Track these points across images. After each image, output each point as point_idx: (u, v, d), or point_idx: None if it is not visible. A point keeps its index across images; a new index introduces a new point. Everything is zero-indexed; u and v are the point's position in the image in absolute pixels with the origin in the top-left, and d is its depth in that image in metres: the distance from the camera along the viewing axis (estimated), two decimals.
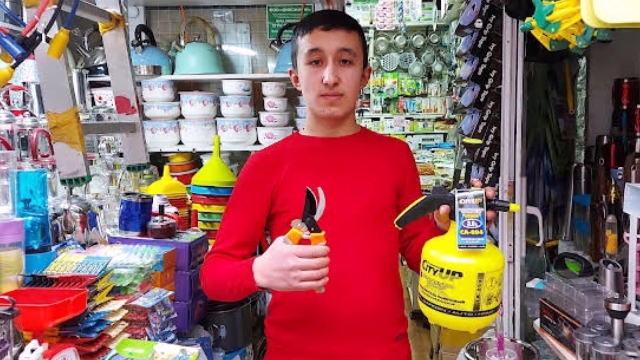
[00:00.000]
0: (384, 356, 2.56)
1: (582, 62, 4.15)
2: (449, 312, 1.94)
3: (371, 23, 12.07)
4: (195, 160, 5.25)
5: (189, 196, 3.75)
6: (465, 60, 4.04)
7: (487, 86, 3.57)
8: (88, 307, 1.89)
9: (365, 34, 3.01)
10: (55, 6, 2.26)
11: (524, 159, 3.34)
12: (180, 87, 5.30)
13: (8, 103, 3.31)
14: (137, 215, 2.82)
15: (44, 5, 2.15)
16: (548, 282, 2.85)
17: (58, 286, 1.96)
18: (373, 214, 2.53)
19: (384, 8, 11.93)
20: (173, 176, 4.00)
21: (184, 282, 2.76)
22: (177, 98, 5.15)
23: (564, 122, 3.95)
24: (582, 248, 3.58)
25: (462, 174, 5.09)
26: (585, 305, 2.54)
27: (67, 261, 2.11)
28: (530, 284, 3.28)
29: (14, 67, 2.08)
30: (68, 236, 2.65)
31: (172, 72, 5.27)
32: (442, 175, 8.45)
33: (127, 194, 2.92)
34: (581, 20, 1.51)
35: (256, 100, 5.29)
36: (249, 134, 5.05)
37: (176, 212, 3.18)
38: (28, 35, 2.12)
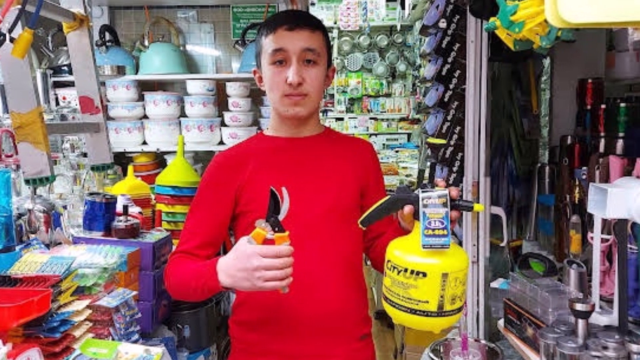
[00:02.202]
0: (347, 356, 2.57)
1: (546, 62, 4.17)
2: (413, 312, 1.95)
3: (335, 23, 12.05)
4: (159, 160, 5.24)
5: (153, 196, 3.74)
6: (429, 60, 4.05)
7: (451, 86, 3.58)
8: (52, 307, 1.88)
9: (329, 34, 3.01)
10: (19, 6, 2.25)
11: (488, 159, 3.35)
12: (144, 87, 5.28)
13: None
14: (101, 215, 2.82)
15: (7, 6, 2.14)
16: (512, 282, 2.86)
17: (22, 286, 1.95)
18: (337, 214, 2.54)
19: (348, 8, 11.92)
20: (137, 176, 3.99)
21: (148, 282, 2.76)
22: (141, 98, 5.14)
23: (528, 122, 3.96)
24: (546, 248, 3.58)
25: (426, 174, 5.12)
26: (549, 305, 2.55)
27: (31, 261, 2.10)
28: (494, 284, 3.29)
29: None
30: (32, 236, 2.63)
31: (136, 72, 5.25)
32: (406, 175, 8.48)
33: (91, 194, 2.91)
34: (545, 20, 1.52)
35: (220, 100, 5.29)
36: (213, 134, 5.05)
37: (140, 212, 3.18)
38: None
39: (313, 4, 11.65)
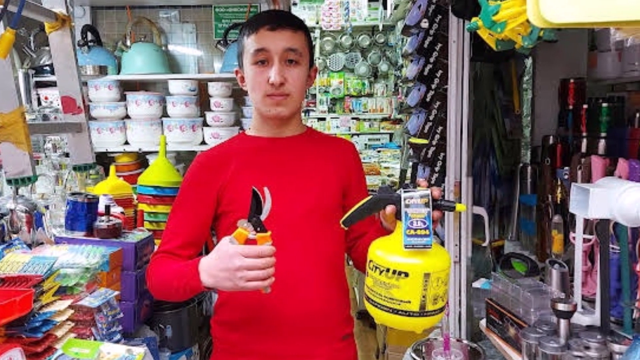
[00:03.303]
0: (330, 356, 2.58)
1: (528, 62, 4.19)
2: (395, 312, 1.95)
3: (317, 23, 12.02)
4: (141, 160, 5.21)
5: (135, 196, 3.74)
6: (412, 60, 4.05)
7: (433, 86, 3.57)
8: (34, 307, 1.88)
9: (312, 34, 3.01)
10: (0, 6, 2.24)
11: (470, 159, 3.35)
12: (127, 87, 5.26)
13: None
14: (83, 215, 2.81)
15: None
16: (494, 282, 2.86)
17: (4, 286, 1.94)
18: (319, 214, 2.54)
19: (330, 8, 11.90)
20: (119, 176, 3.98)
21: (130, 282, 2.76)
22: (123, 98, 5.10)
23: (510, 122, 3.97)
24: (528, 248, 3.58)
25: (408, 174, 5.11)
26: (532, 305, 2.56)
27: (13, 261, 2.10)
28: (476, 284, 3.29)
29: None
30: (14, 236, 2.63)
31: (118, 72, 5.21)
32: (388, 175, 8.47)
33: (73, 194, 2.91)
34: (527, 20, 1.53)
35: (202, 100, 5.27)
36: (195, 134, 5.04)
37: (122, 212, 3.17)
38: None
39: (295, 4, 11.63)
